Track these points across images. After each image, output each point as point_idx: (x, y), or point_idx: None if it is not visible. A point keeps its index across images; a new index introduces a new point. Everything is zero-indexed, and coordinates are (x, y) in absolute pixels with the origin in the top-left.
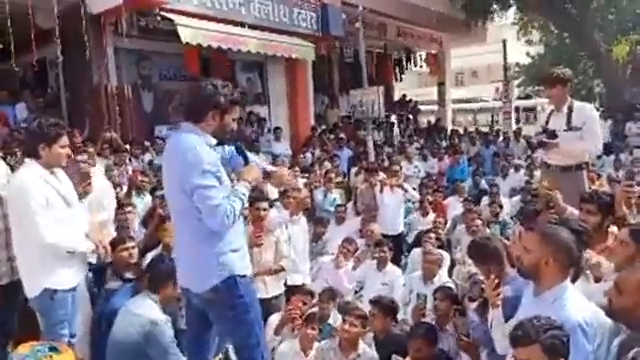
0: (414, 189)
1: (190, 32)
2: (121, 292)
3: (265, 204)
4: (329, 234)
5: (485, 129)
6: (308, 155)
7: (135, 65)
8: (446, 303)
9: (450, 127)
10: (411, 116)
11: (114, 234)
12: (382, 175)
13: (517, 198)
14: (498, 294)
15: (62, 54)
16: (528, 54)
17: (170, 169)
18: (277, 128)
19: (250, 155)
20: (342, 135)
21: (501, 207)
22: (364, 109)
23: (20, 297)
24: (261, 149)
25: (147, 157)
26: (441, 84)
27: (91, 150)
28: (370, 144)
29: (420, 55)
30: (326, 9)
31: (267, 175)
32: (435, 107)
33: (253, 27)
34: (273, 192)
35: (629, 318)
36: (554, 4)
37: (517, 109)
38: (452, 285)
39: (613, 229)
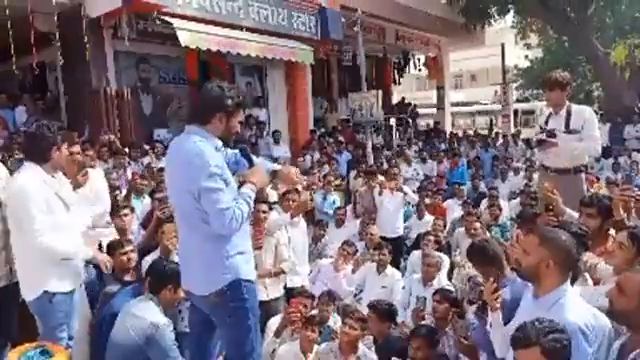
0: (413, 192)
1: (189, 35)
2: (121, 294)
3: (265, 206)
4: (328, 237)
5: (484, 132)
6: (307, 158)
7: (134, 68)
8: (445, 306)
9: (449, 130)
10: (410, 119)
11: (111, 237)
12: (381, 178)
13: (516, 201)
14: (497, 297)
15: (61, 57)
16: (527, 57)
17: (175, 172)
18: (276, 131)
19: (254, 157)
20: (341, 138)
21: (501, 210)
22: (363, 112)
23: (19, 300)
24: (260, 152)
25: (146, 160)
26: (440, 87)
27: (91, 153)
28: (369, 147)
29: (419, 58)
30: (325, 13)
31: (274, 174)
32: (434, 110)
33: (252, 31)
34: (272, 195)
35: (630, 319)
36: (552, 8)
37: (516, 112)
38: (451, 288)
39: (612, 232)
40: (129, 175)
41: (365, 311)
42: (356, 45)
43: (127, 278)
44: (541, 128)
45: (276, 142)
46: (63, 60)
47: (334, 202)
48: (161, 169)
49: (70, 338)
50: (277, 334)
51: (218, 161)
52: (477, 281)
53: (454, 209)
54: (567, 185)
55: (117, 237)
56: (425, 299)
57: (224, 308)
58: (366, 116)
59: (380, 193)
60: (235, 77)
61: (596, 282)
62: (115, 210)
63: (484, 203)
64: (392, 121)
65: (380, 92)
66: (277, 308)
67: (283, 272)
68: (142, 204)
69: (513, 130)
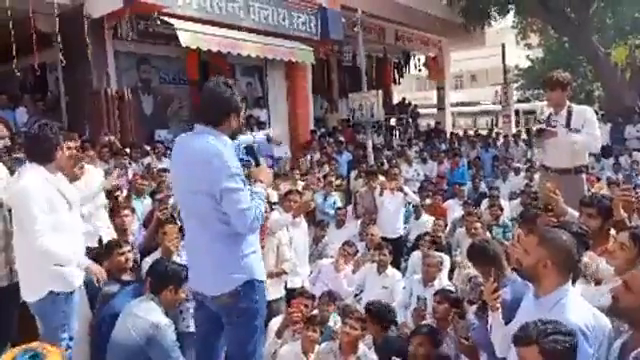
0: (414, 192)
1: (190, 36)
2: (122, 294)
3: (267, 206)
4: (329, 237)
5: (485, 132)
6: (308, 158)
7: (135, 69)
8: (445, 306)
9: (450, 130)
10: (411, 119)
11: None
12: (382, 178)
13: (517, 201)
14: (497, 297)
15: (62, 58)
16: (528, 57)
17: (188, 171)
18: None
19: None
20: (341, 139)
21: (501, 210)
22: (363, 113)
23: (19, 300)
24: (261, 153)
25: (147, 161)
26: (440, 88)
27: (92, 153)
28: (369, 147)
29: (419, 59)
30: (325, 13)
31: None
32: (434, 110)
33: (252, 31)
34: (273, 195)
35: (635, 316)
36: (553, 8)
37: (517, 112)
38: (452, 288)
39: (613, 232)
40: (130, 175)
41: None
42: (356, 45)
43: (124, 278)
44: (540, 120)
45: (276, 142)
46: (64, 61)
47: (335, 202)
48: (162, 170)
49: (70, 339)
50: (278, 334)
51: (236, 161)
52: (477, 281)
53: (455, 209)
54: (568, 185)
55: (116, 236)
56: (426, 299)
57: (234, 308)
58: (366, 116)
59: (381, 193)
60: (236, 77)
61: (597, 282)
62: (116, 210)
63: (485, 203)
64: (392, 121)
65: (380, 92)
66: (278, 309)
67: (284, 272)
68: (143, 205)
69: (514, 130)
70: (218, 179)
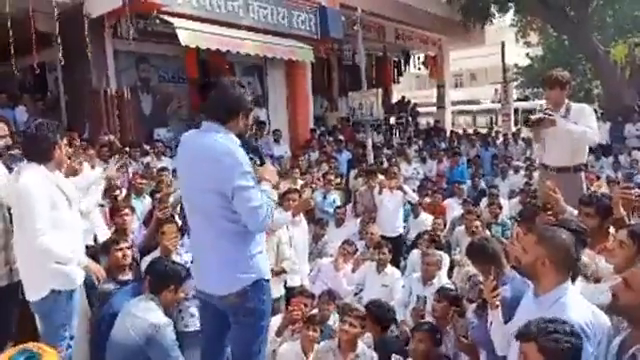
0: (413, 191)
1: (189, 35)
2: (121, 294)
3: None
4: (328, 236)
5: (484, 131)
6: (307, 157)
7: (134, 68)
8: (445, 304)
9: (449, 129)
10: (410, 118)
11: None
12: (381, 177)
13: (516, 200)
14: (496, 295)
15: (62, 57)
16: (527, 55)
17: (197, 169)
18: (276, 130)
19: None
20: (341, 137)
21: (501, 208)
22: (363, 111)
23: (18, 299)
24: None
25: (146, 160)
26: (440, 86)
27: (91, 152)
28: (369, 146)
29: (419, 57)
30: (325, 12)
31: None
32: (434, 109)
33: (252, 30)
34: (273, 193)
35: (634, 314)
36: (552, 6)
37: (516, 111)
38: (451, 286)
39: (612, 230)
40: (130, 174)
41: None
42: (356, 44)
43: (123, 277)
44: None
45: (276, 141)
46: (63, 60)
47: (334, 201)
48: (161, 169)
49: (71, 338)
50: (278, 333)
51: (247, 159)
52: (477, 280)
53: (454, 208)
54: (567, 184)
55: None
56: (425, 298)
57: (242, 308)
58: (366, 115)
59: (380, 192)
60: (235, 76)
61: (597, 280)
62: (115, 210)
63: (484, 202)
64: (392, 120)
65: (380, 91)
66: (278, 307)
67: (284, 271)
68: (142, 204)
69: (513, 129)
70: (230, 177)
